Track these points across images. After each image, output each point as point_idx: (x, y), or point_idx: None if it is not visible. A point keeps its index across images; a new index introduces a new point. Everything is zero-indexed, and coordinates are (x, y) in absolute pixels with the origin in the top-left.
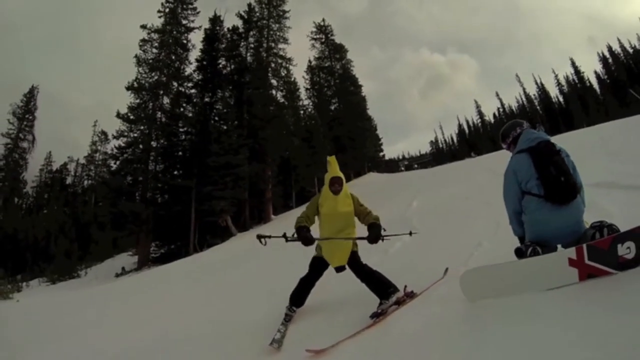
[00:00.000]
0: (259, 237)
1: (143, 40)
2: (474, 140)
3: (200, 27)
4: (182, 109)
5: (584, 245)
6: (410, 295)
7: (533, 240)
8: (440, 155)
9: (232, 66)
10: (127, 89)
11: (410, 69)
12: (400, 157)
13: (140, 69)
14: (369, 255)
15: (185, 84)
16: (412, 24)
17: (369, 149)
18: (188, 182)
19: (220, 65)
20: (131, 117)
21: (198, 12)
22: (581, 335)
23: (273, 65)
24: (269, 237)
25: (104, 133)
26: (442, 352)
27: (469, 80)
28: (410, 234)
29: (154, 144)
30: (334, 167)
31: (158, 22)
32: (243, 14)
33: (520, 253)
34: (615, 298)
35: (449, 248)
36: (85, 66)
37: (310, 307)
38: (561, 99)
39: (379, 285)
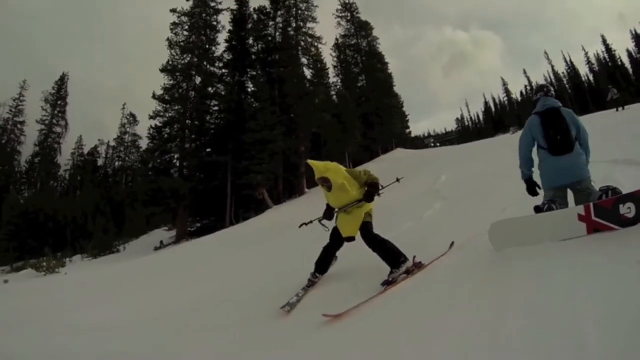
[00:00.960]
0: (301, 225)
1: (174, 23)
2: (501, 118)
3: (228, 8)
4: (214, 89)
5: (591, 204)
6: (419, 266)
7: (546, 184)
8: (466, 133)
9: (261, 46)
10: (162, 71)
11: (433, 47)
12: (426, 135)
13: (172, 51)
14: (405, 220)
15: (217, 64)
16: (434, 1)
17: (397, 126)
18: (223, 158)
19: (249, 45)
20: (166, 97)
21: None
22: (588, 282)
23: (303, 44)
24: (310, 222)
25: (132, 115)
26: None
27: (494, 58)
28: (398, 180)
29: (189, 122)
30: (316, 169)
31: (187, 5)
32: None
33: (538, 210)
34: (617, 251)
35: (476, 214)
36: (109, 51)
37: (335, 274)
38: (591, 78)
39: (390, 254)
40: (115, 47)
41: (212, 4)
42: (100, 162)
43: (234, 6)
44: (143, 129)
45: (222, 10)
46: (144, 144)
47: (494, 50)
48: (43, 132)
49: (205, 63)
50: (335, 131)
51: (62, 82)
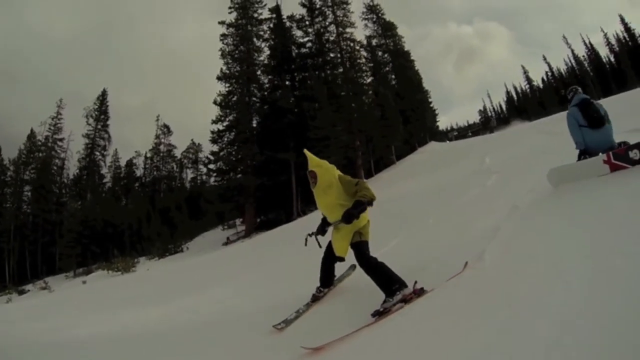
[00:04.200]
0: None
1: (223, 34)
2: (524, 106)
3: (270, 18)
4: (269, 93)
5: (611, 152)
6: (419, 293)
7: (587, 151)
8: (489, 123)
9: (303, 51)
10: (218, 79)
11: (441, 45)
12: (448, 129)
13: (224, 60)
14: (472, 188)
15: (264, 70)
16: None
17: (429, 120)
18: (287, 154)
19: (293, 51)
20: (224, 103)
21: (265, 5)
22: (614, 192)
23: (344, 47)
24: (309, 235)
25: (166, 126)
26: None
27: (507, 48)
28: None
29: (250, 124)
30: (310, 161)
31: (231, 17)
32: (305, 2)
33: (579, 158)
34: (630, 180)
35: (527, 180)
36: (131, 71)
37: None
38: (612, 59)
39: (384, 280)
40: (135, 68)
41: (255, 15)
42: (138, 172)
43: (268, 15)
44: (176, 138)
45: (264, 20)
46: (178, 152)
47: (505, 40)
48: (88, 146)
49: (255, 69)
50: (381, 127)
51: (103, 97)
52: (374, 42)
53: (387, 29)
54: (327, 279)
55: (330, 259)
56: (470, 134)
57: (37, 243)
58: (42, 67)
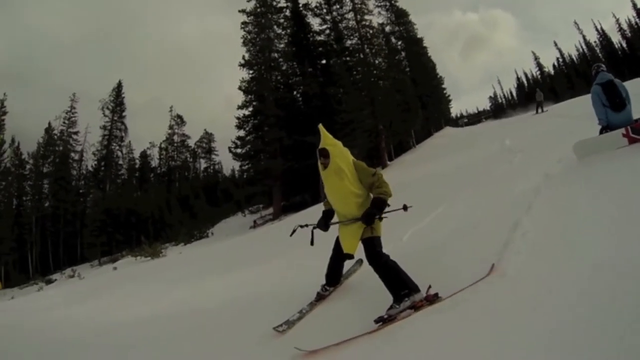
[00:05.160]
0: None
1: (244, 22)
2: (534, 92)
3: (287, 7)
4: (291, 79)
5: (629, 127)
6: (432, 300)
7: (608, 127)
8: (500, 109)
9: (321, 38)
10: (241, 66)
11: (446, 33)
12: (458, 116)
13: (246, 47)
14: (497, 165)
15: (286, 57)
16: None
17: (444, 105)
18: (316, 138)
19: (310, 38)
20: (248, 88)
21: None
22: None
23: (363, 33)
24: (306, 225)
25: (179, 117)
26: None
27: (514, 34)
28: (405, 208)
29: (275, 110)
30: (323, 137)
31: (249, 5)
32: None
33: (601, 133)
34: None
35: (550, 158)
36: (138, 69)
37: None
38: (624, 45)
39: (393, 283)
40: (141, 65)
41: (274, 3)
42: (153, 163)
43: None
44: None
45: (282, 7)
46: (191, 142)
47: (511, 26)
48: (106, 137)
49: (276, 55)
50: (401, 111)
51: (118, 89)
52: (387, 29)
53: (400, 16)
54: (334, 277)
55: (338, 257)
56: (484, 119)
57: (59, 234)
58: (50, 68)
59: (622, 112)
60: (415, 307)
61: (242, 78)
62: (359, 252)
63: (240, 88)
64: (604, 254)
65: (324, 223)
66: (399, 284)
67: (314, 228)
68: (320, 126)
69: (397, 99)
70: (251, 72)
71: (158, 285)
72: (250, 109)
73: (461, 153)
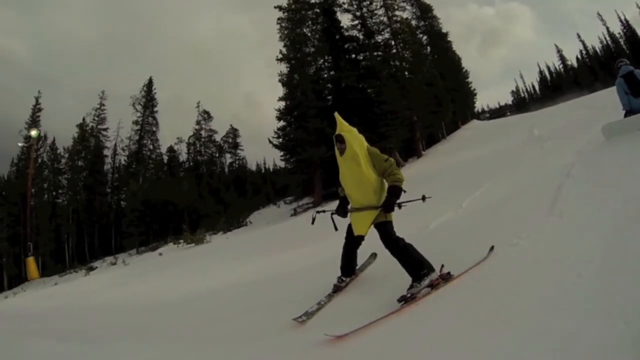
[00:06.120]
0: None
1: (279, 18)
2: (558, 85)
3: (318, 2)
4: (326, 73)
5: None
6: (446, 278)
7: (631, 111)
8: (523, 103)
9: (354, 34)
10: (278, 60)
11: (462, 27)
12: (479, 111)
13: (283, 42)
14: (529, 150)
15: (321, 51)
16: None
17: (469, 99)
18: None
19: (343, 33)
20: (288, 81)
21: None
22: None
23: (395, 28)
24: (323, 211)
25: (206, 112)
26: None
27: (532, 27)
28: (424, 199)
29: (315, 102)
30: (339, 124)
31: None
32: None
33: (625, 117)
34: None
35: (579, 142)
36: (158, 68)
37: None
38: None
39: (412, 263)
40: (161, 65)
41: None
42: (181, 157)
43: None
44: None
45: (315, 4)
46: (218, 137)
47: (529, 19)
48: (138, 132)
49: (312, 50)
50: (431, 104)
51: (149, 85)
52: (412, 23)
53: (424, 11)
54: (349, 267)
55: (351, 244)
56: (508, 113)
57: (94, 225)
58: (75, 68)
59: None
60: (433, 286)
61: (280, 72)
62: (372, 246)
63: (280, 81)
64: (632, 194)
65: (342, 209)
66: (417, 264)
67: (332, 214)
68: (336, 114)
69: (428, 92)
70: (288, 66)
71: (220, 262)
72: (290, 101)
73: (493, 142)
